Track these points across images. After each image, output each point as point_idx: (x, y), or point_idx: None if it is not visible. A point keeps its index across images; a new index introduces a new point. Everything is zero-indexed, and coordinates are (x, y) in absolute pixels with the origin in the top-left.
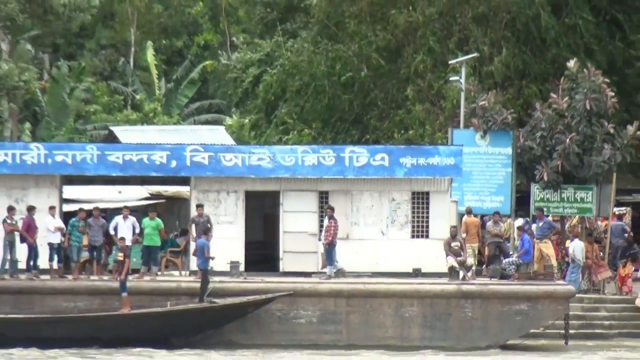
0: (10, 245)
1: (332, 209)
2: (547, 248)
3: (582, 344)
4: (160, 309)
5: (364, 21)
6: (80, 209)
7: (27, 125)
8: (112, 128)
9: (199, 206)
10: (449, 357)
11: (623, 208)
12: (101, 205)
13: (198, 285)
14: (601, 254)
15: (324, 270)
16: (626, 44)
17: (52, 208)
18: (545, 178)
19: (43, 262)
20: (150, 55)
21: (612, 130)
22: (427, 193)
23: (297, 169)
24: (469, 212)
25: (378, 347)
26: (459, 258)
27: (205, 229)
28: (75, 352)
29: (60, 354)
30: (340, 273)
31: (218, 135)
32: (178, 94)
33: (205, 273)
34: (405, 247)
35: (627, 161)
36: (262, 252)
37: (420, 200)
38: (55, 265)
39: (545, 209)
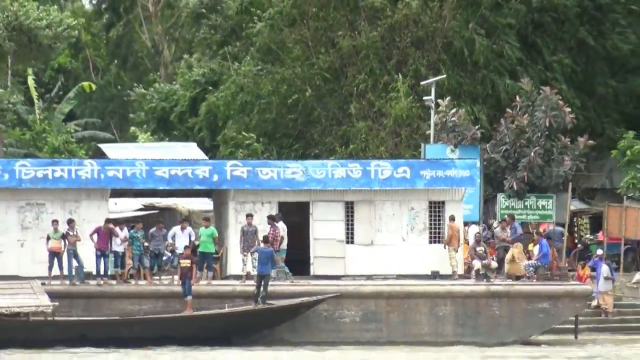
0: (74, 255)
1: (272, 218)
2: (519, 252)
3: (593, 337)
4: (224, 311)
5: (307, 46)
6: (137, 220)
7: None
8: (100, 145)
9: (249, 216)
10: (480, 351)
11: None
12: None
13: (252, 289)
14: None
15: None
16: (544, 66)
17: (119, 221)
18: (515, 187)
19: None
20: (30, 80)
21: (568, 144)
22: (443, 202)
23: (327, 181)
24: (452, 218)
25: (415, 343)
26: (483, 261)
27: (260, 238)
28: (155, 350)
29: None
30: (285, 276)
31: (191, 150)
32: (56, 112)
33: (266, 278)
34: (424, 252)
35: (581, 170)
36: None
37: (437, 209)
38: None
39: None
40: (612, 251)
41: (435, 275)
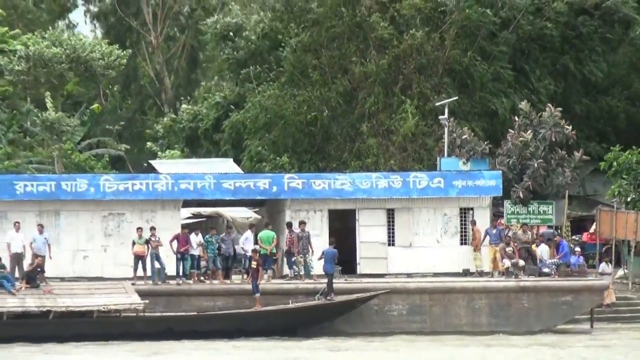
0: (156, 258)
1: (289, 225)
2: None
3: (610, 326)
4: (292, 306)
5: (324, 72)
6: (211, 227)
7: None
8: (151, 162)
9: (302, 223)
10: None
11: None
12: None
13: (312, 286)
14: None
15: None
16: (531, 89)
17: (195, 229)
18: (522, 196)
19: (171, 270)
20: (49, 102)
21: (565, 156)
22: (472, 208)
23: (372, 191)
24: (474, 223)
25: (455, 332)
26: (512, 260)
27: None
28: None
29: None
30: (297, 276)
31: (229, 165)
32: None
33: (330, 276)
34: (456, 252)
35: (576, 180)
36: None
37: (467, 215)
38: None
39: (515, 220)
40: (591, 250)
41: (466, 273)
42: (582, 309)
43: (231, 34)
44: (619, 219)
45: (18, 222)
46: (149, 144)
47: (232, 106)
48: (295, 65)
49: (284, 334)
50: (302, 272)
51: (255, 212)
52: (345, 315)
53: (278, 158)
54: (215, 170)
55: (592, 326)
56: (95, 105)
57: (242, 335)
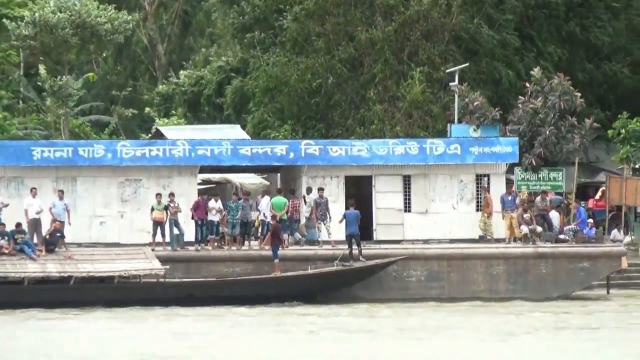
0: (175, 224)
1: (292, 191)
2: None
3: (623, 292)
4: (312, 272)
5: (328, 39)
6: (234, 194)
7: None
8: (158, 127)
9: (320, 189)
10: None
11: None
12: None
13: (331, 252)
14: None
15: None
16: (536, 55)
17: (215, 195)
18: (534, 163)
19: (189, 236)
20: (42, 70)
21: (575, 123)
22: (488, 175)
23: (389, 157)
24: (487, 190)
25: (473, 299)
26: (530, 227)
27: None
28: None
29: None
30: (299, 242)
31: (237, 132)
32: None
33: (356, 237)
34: (472, 219)
35: (586, 147)
36: None
37: (482, 181)
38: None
39: (525, 187)
40: (600, 217)
41: (482, 239)
42: (599, 275)
43: None
44: (629, 185)
45: (35, 188)
46: (147, 109)
47: (233, 73)
48: (299, 32)
49: (304, 299)
50: (318, 238)
51: (264, 178)
52: (364, 281)
53: (286, 125)
54: (224, 136)
55: (608, 292)
56: (90, 74)
57: (262, 301)
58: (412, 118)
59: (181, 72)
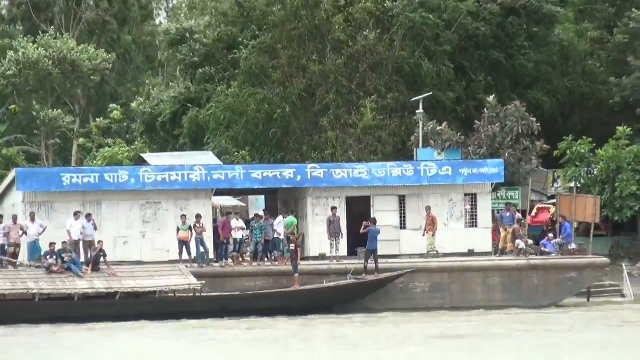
0: (201, 243)
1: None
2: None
3: (603, 300)
4: (332, 285)
5: (283, 71)
6: (257, 215)
7: None
8: (142, 155)
9: (334, 208)
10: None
11: None
12: None
13: (343, 267)
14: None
15: None
16: (468, 83)
17: (237, 213)
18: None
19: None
20: None
21: (529, 146)
22: (475, 194)
23: (387, 179)
24: (429, 209)
25: (472, 308)
26: (524, 240)
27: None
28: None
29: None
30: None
31: (210, 157)
32: None
33: (375, 252)
34: (461, 234)
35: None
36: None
37: (471, 200)
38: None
39: None
40: (536, 232)
41: (471, 253)
42: (585, 285)
43: (187, 35)
44: (579, 202)
45: (79, 212)
46: (82, 140)
47: (188, 104)
48: (255, 65)
49: (323, 311)
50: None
51: (238, 200)
52: (375, 293)
53: (239, 152)
54: (198, 163)
55: (589, 300)
56: (12, 106)
57: (285, 312)
58: (362, 144)
59: (134, 103)
